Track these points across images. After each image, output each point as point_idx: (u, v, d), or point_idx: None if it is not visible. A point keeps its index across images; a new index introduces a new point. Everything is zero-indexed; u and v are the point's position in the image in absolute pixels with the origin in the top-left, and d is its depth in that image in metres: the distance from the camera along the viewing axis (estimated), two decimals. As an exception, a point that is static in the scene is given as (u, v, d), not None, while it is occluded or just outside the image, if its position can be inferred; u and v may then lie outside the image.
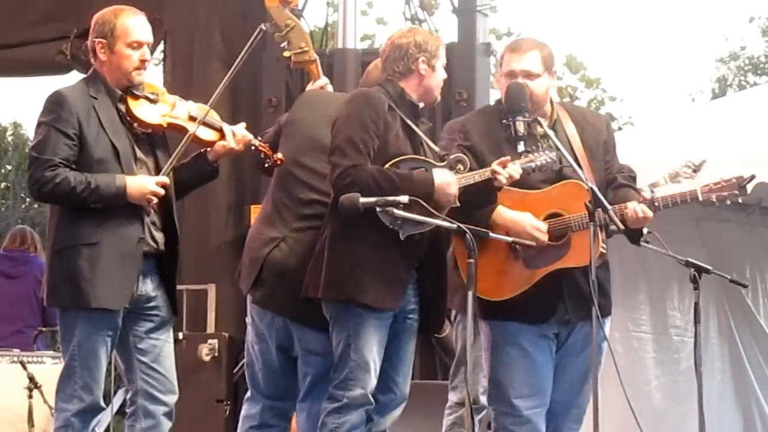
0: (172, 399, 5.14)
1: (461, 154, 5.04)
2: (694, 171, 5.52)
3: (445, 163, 5.03)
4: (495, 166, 4.94)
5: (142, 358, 5.09)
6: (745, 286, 7.40)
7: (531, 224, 4.99)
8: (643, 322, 8.11)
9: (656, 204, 5.10)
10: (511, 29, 16.94)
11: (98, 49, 5.08)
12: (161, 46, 9.35)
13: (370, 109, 5.00)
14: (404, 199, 4.75)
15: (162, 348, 5.13)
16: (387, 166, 4.93)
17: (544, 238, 4.99)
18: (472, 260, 4.65)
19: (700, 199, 5.15)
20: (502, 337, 5.13)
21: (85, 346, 4.97)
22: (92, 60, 5.14)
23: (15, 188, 20.03)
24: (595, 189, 4.82)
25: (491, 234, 4.84)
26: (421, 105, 5.22)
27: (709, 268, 5.28)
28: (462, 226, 4.72)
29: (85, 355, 4.97)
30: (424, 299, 5.12)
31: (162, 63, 9.79)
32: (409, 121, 5.07)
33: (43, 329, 8.65)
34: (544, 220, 5.04)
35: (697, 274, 5.19)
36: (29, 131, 22.56)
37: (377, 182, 4.85)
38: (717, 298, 8.30)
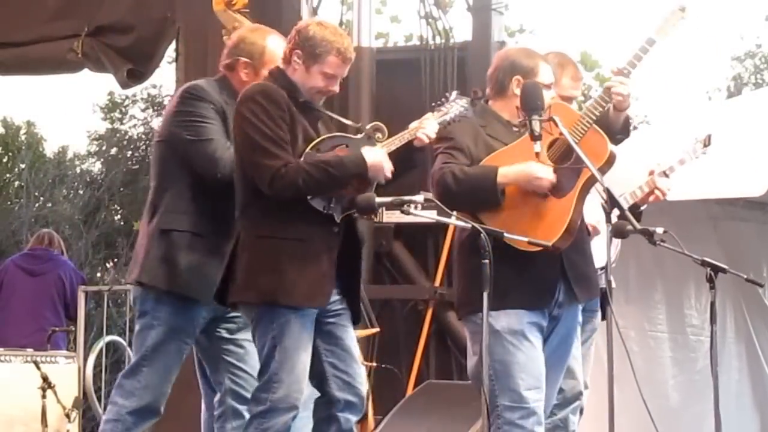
0: None
1: (378, 122, 4.98)
2: (705, 146, 5.76)
3: (363, 134, 4.95)
4: (413, 125, 4.90)
5: (229, 359, 5.13)
6: (762, 286, 7.39)
7: (535, 174, 4.89)
8: (659, 322, 8.11)
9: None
10: (523, 26, 16.79)
11: (241, 68, 5.08)
12: (174, 44, 9.34)
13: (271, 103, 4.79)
14: (419, 198, 4.69)
15: (247, 348, 5.12)
16: (309, 149, 4.78)
17: (552, 177, 4.89)
18: (486, 261, 4.61)
19: None
20: (505, 328, 5.03)
21: (158, 349, 5.00)
22: (227, 71, 5.12)
23: (28, 187, 19.94)
24: (611, 189, 4.77)
25: (506, 234, 4.78)
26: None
27: (726, 267, 5.23)
28: (477, 226, 4.67)
29: (156, 358, 5.01)
30: (343, 288, 4.90)
31: (175, 61, 9.76)
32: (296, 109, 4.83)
33: (56, 329, 8.66)
34: (548, 147, 4.96)
35: (713, 274, 5.15)
36: (42, 130, 22.55)
37: (311, 176, 4.69)
38: (734, 297, 8.30)
